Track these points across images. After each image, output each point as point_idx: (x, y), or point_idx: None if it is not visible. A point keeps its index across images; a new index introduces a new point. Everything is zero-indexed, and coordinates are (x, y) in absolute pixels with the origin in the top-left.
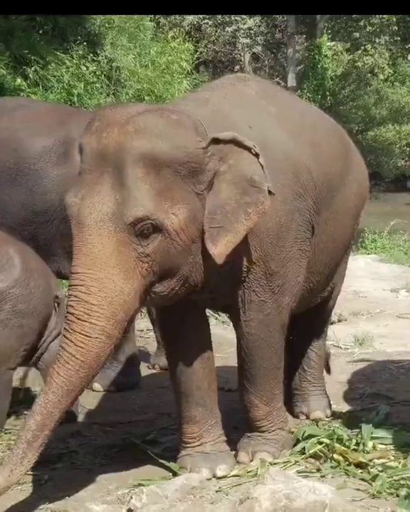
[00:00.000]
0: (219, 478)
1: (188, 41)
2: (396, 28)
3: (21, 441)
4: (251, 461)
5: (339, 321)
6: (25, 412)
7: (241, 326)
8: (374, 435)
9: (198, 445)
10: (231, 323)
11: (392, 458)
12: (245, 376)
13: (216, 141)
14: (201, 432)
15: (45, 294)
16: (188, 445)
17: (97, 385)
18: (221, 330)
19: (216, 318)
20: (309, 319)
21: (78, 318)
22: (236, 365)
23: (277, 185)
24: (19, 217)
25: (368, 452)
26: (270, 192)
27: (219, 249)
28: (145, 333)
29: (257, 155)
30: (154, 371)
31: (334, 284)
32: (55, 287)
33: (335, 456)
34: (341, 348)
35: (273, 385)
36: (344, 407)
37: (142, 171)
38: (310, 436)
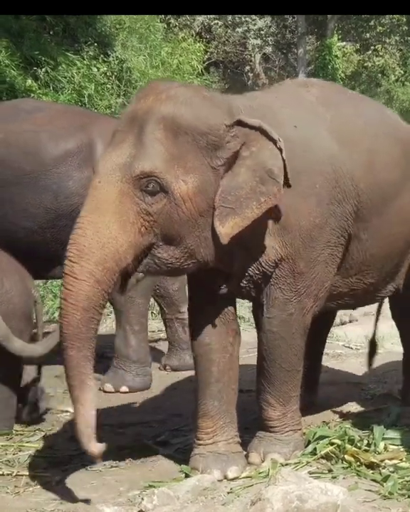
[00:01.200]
0: (231, 479)
1: (199, 42)
2: (407, 28)
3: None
4: (262, 461)
5: (350, 321)
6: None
7: (264, 323)
8: (385, 436)
9: (211, 443)
10: (253, 321)
11: (404, 459)
12: (263, 375)
13: (241, 123)
14: (215, 428)
15: (23, 294)
16: (201, 442)
17: (108, 386)
18: None
19: None
20: None
21: (70, 260)
22: (250, 367)
23: (315, 186)
24: (42, 220)
25: (379, 453)
26: (286, 184)
27: (226, 230)
28: (156, 333)
29: (280, 149)
30: (166, 372)
31: (398, 285)
32: (32, 287)
33: (346, 457)
34: (352, 348)
35: (291, 387)
36: (356, 408)
37: (161, 133)
38: (322, 437)
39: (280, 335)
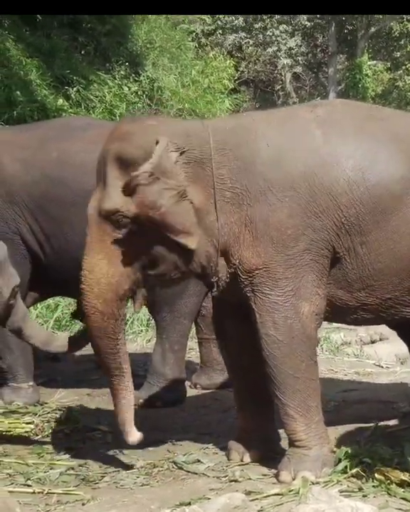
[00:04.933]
0: (261, 497)
1: (230, 60)
2: None
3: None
4: (294, 479)
5: (381, 339)
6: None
7: (259, 329)
8: None
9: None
10: None
11: None
12: (273, 384)
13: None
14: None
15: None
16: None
17: (142, 401)
18: None
19: None
20: None
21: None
22: None
23: (285, 199)
24: None
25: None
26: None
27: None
28: (187, 352)
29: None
30: (196, 391)
31: None
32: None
33: (377, 475)
34: (382, 367)
35: (306, 396)
36: (387, 427)
37: (115, 170)
38: (352, 455)
39: (277, 338)
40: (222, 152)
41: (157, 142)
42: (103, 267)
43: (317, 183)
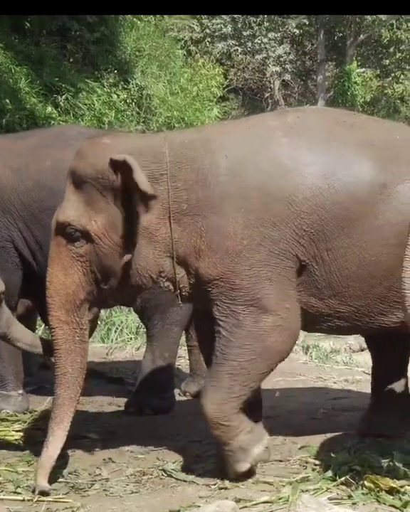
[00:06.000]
0: (251, 505)
1: (218, 68)
2: None
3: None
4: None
5: (362, 350)
6: None
7: (219, 337)
8: (406, 462)
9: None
10: None
11: None
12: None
13: (112, 162)
14: None
15: None
16: None
17: (132, 409)
18: None
19: None
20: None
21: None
22: (268, 393)
23: (240, 210)
24: None
25: (400, 479)
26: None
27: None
28: (177, 360)
29: (129, 169)
30: (186, 398)
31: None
32: None
33: (366, 482)
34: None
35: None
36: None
37: (71, 186)
38: (342, 463)
39: (235, 346)
40: (179, 166)
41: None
42: (61, 278)
43: (275, 192)
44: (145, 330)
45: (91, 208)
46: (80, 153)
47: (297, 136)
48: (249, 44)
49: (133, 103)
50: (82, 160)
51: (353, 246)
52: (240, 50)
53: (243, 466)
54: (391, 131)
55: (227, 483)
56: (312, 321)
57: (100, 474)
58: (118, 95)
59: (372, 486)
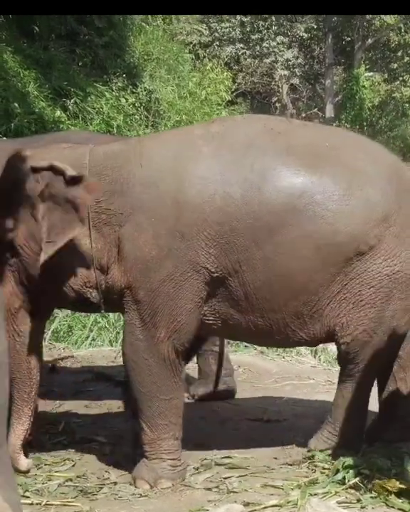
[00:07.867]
0: (259, 509)
1: (227, 72)
2: None
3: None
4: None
5: None
6: (65, 443)
7: (122, 342)
8: None
9: None
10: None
11: None
12: (132, 397)
13: (34, 169)
14: None
15: None
16: None
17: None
18: (261, 360)
19: (255, 348)
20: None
21: None
22: (276, 396)
23: (151, 220)
24: None
25: (408, 481)
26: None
27: (43, 258)
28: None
29: (74, 178)
30: (194, 402)
31: (341, 325)
32: None
33: (375, 486)
34: None
35: (156, 414)
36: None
37: (1, 199)
38: (350, 466)
39: (131, 357)
40: (99, 177)
41: (65, 174)
42: (2, 288)
43: (187, 202)
44: None
45: (15, 218)
46: (3, 167)
47: (218, 145)
48: (257, 48)
49: (141, 107)
50: (4, 172)
51: (265, 258)
52: (248, 53)
53: None
54: (322, 138)
55: (236, 486)
56: (236, 333)
57: (108, 478)
58: (127, 99)
59: (381, 489)
